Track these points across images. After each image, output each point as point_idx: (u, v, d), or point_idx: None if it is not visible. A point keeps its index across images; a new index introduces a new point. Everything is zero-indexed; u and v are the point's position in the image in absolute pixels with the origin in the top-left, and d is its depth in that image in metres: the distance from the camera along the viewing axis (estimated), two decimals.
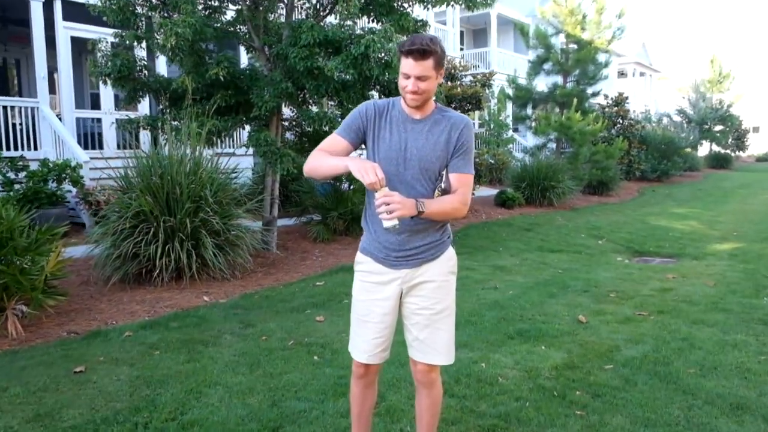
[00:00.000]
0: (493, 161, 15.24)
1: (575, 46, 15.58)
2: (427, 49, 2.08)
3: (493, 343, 4.33)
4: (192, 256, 5.99)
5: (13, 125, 9.54)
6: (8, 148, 9.39)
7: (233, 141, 10.13)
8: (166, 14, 6.72)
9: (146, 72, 7.63)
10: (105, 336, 4.66)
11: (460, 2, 7.64)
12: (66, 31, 10.03)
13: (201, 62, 6.96)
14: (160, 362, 4.04)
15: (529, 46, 15.94)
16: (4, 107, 9.43)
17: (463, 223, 10.60)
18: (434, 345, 2.31)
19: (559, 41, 16.38)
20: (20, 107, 9.65)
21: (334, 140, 2.28)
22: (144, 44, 6.97)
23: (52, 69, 10.85)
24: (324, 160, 2.20)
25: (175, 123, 7.22)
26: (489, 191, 14.14)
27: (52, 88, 10.94)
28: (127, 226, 5.90)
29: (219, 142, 7.20)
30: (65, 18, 9.95)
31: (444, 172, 2.25)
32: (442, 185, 2.24)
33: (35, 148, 9.72)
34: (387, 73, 6.65)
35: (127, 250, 5.82)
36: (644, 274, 6.87)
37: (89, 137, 11.08)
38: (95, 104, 12.58)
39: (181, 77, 6.75)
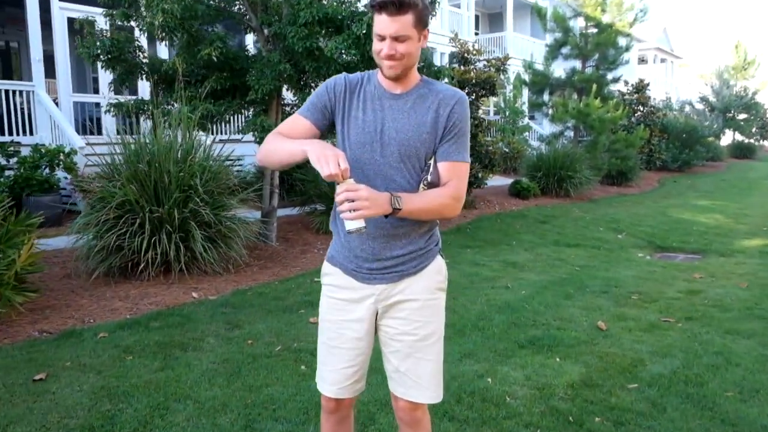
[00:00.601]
0: (507, 150, 14.69)
1: (595, 30, 14.91)
2: (404, 1, 1.63)
3: (501, 353, 3.88)
4: (180, 250, 5.59)
5: (8, 110, 9.21)
6: (2, 133, 9.06)
7: (233, 126, 9.70)
8: None
9: (141, 53, 7.22)
10: (79, 336, 4.29)
11: None
12: (62, 11, 9.64)
13: (194, 42, 6.52)
14: (131, 370, 3.65)
15: (547, 30, 15.28)
16: None
17: (474, 214, 10.13)
18: (418, 379, 1.85)
19: (577, 24, 15.71)
20: (15, 91, 9.30)
21: (295, 121, 1.85)
22: (134, 23, 6.52)
23: (51, 52, 10.49)
24: (279, 144, 1.76)
25: (169, 107, 6.81)
26: (503, 181, 13.62)
27: (54, 72, 10.57)
28: (111, 217, 5.51)
29: (214, 127, 6.76)
30: None
31: (431, 161, 1.79)
32: (429, 177, 1.78)
33: (31, 133, 9.40)
34: None
35: (110, 242, 5.43)
36: (668, 273, 6.37)
37: (89, 122, 10.73)
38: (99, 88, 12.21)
39: (173, 58, 6.32)
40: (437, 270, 1.89)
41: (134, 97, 7.47)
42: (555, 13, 14.60)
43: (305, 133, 1.81)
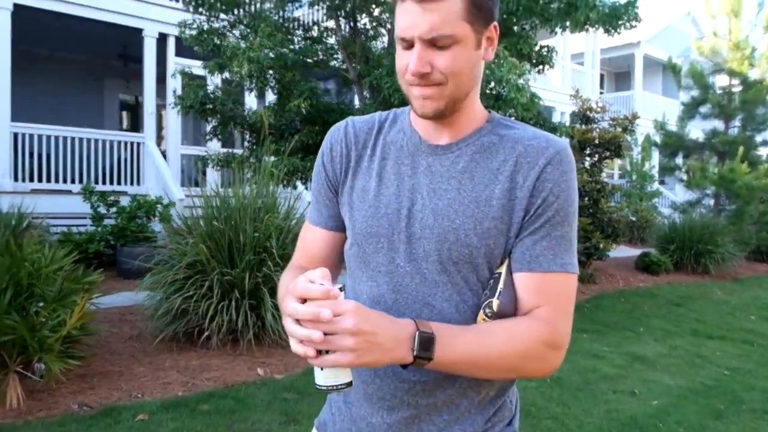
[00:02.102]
0: (634, 217, 13.22)
1: (740, 87, 13.29)
2: None
3: None
4: (249, 318, 5.02)
5: (118, 160, 9.45)
6: (111, 182, 9.28)
7: None
8: (250, 38, 6.02)
9: (238, 105, 7.02)
10: (116, 417, 3.75)
11: (596, 25, 6.24)
12: (177, 67, 9.86)
13: (286, 94, 6.16)
14: None
15: (681, 87, 13.86)
16: (111, 142, 9.37)
17: (594, 290, 8.87)
18: None
19: (717, 81, 14.15)
20: (126, 142, 9.55)
21: (305, 234, 1.18)
22: (228, 74, 6.30)
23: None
24: (280, 291, 1.09)
25: (257, 162, 6.47)
26: (629, 252, 12.16)
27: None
28: (180, 277, 5.08)
29: (300, 184, 6.29)
30: (177, 54, 9.83)
31: (502, 270, 0.95)
32: (495, 301, 0.93)
33: (138, 183, 9.56)
34: (498, 107, 5.41)
35: (176, 305, 4.98)
36: None
37: (194, 174, 10.85)
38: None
39: (261, 110, 5.98)
40: None
41: (225, 150, 7.23)
42: (692, 68, 13.21)
43: (324, 251, 1.13)
